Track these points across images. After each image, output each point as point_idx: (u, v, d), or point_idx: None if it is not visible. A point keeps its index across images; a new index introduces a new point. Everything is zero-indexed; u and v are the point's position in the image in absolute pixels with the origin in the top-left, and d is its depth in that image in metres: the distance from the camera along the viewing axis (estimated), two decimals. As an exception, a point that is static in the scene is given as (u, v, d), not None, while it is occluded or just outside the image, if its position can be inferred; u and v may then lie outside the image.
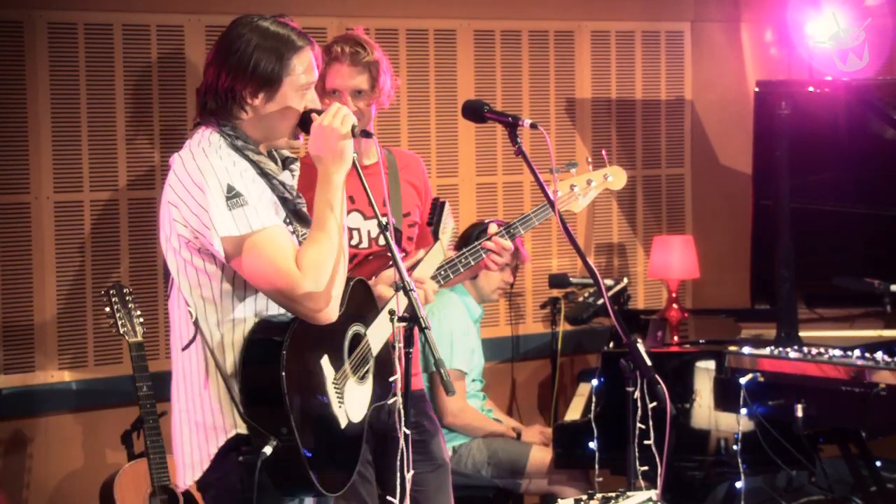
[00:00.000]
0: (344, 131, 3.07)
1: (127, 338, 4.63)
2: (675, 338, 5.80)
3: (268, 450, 2.95)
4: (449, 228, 3.89)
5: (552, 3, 6.07)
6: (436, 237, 3.80)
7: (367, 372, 3.25)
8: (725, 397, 4.84)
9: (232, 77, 3.05)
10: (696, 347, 5.31)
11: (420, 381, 4.26)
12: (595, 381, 5.07)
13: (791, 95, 5.02)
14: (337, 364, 3.14)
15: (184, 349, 3.05)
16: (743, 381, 4.72)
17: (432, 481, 4.17)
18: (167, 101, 5.22)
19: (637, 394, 3.76)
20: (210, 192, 2.97)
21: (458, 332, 5.28)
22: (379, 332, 3.35)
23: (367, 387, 3.25)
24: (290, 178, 3.19)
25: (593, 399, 4.99)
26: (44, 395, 5.03)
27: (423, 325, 3.08)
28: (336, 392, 3.12)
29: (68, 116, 5.06)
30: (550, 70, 6.07)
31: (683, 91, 6.40)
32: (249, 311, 3.05)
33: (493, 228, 3.97)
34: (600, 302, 5.54)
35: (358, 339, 3.24)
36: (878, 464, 5.43)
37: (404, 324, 3.15)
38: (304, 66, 3.09)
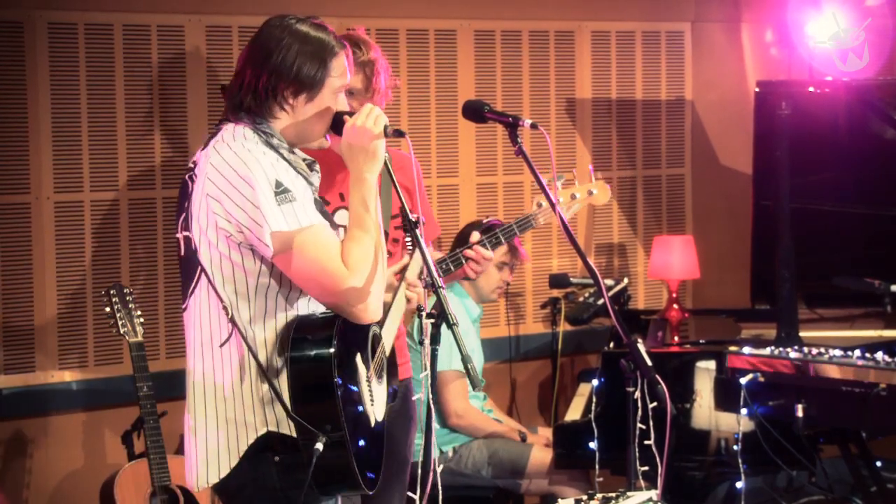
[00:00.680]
0: (377, 131, 3.11)
1: (127, 338, 4.63)
2: (676, 338, 5.80)
3: (320, 447, 2.94)
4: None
5: (552, 3, 6.07)
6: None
7: (383, 371, 3.28)
8: (726, 397, 4.84)
9: (276, 78, 3.09)
10: (697, 347, 5.31)
11: (408, 370, 4.27)
12: (595, 382, 5.07)
13: (791, 95, 5.01)
14: (366, 363, 3.17)
15: (221, 345, 3.04)
16: (743, 381, 4.72)
17: (387, 476, 4.19)
18: (167, 101, 5.22)
19: (637, 394, 3.76)
20: (259, 186, 2.98)
21: (458, 332, 5.27)
22: (389, 331, 3.38)
23: (384, 386, 3.28)
24: (317, 180, 3.21)
25: (593, 399, 4.98)
26: (44, 395, 5.03)
27: (452, 322, 3.10)
28: (368, 390, 3.16)
29: (68, 116, 5.06)
30: (551, 70, 6.07)
31: (684, 91, 6.40)
32: (281, 309, 3.06)
33: (475, 237, 3.99)
34: (600, 302, 5.54)
35: (377, 338, 3.26)
36: (879, 464, 5.42)
37: (432, 320, 3.18)
38: (340, 69, 3.15)
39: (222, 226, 3.01)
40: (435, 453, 5.38)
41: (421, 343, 3.24)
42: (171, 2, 5.25)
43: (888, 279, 5.01)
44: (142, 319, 4.67)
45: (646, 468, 3.90)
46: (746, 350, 4.83)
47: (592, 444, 4.68)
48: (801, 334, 4.89)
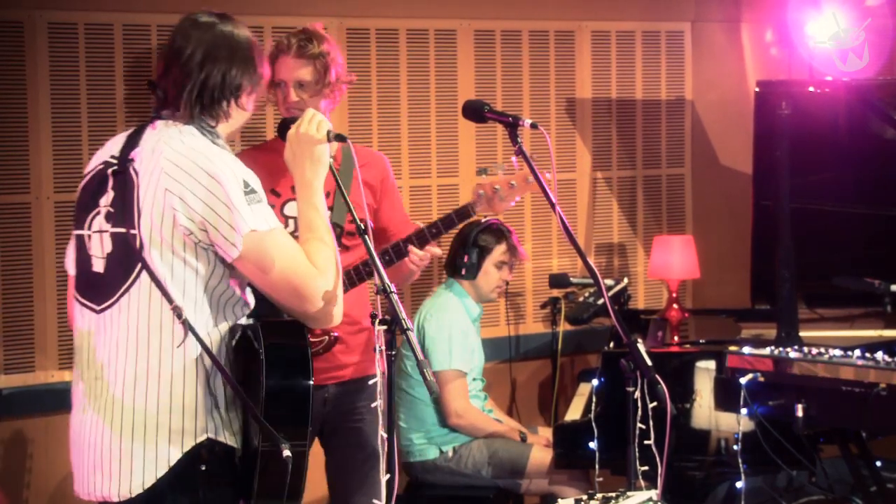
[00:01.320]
0: (319, 137, 3.09)
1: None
2: (676, 338, 5.80)
3: (289, 454, 2.84)
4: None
5: (552, 3, 6.07)
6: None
7: None
8: (725, 397, 4.84)
9: (241, 75, 3.07)
10: (697, 347, 5.31)
11: (373, 366, 4.28)
12: (595, 381, 5.07)
13: (791, 95, 5.01)
14: None
15: (178, 346, 2.91)
16: (743, 381, 4.71)
17: (360, 469, 4.20)
18: (167, 101, 5.22)
19: (637, 394, 3.76)
20: (229, 185, 2.92)
21: (457, 332, 5.28)
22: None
23: None
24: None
25: (593, 399, 4.98)
26: (44, 395, 5.02)
27: (405, 327, 3.07)
28: None
29: (68, 116, 5.06)
30: (551, 70, 6.07)
31: (684, 91, 6.40)
32: (223, 317, 2.98)
33: (419, 227, 4.05)
34: (600, 302, 5.54)
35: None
36: (879, 464, 5.42)
37: (385, 326, 3.15)
38: (266, 70, 3.22)
39: (183, 223, 2.92)
40: (434, 454, 5.43)
41: (379, 349, 3.19)
42: (172, 2, 5.23)
43: (888, 279, 5.01)
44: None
45: (646, 468, 3.90)
46: (746, 350, 4.82)
47: (592, 444, 4.68)
48: (801, 334, 4.88)
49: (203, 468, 2.93)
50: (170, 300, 2.91)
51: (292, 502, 2.96)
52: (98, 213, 3.01)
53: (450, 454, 5.29)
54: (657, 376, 3.72)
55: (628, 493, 3.77)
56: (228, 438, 2.96)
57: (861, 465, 5.40)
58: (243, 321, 3.03)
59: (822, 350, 4.70)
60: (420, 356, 3.03)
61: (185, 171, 2.94)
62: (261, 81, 3.13)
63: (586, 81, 6.16)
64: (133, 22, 5.16)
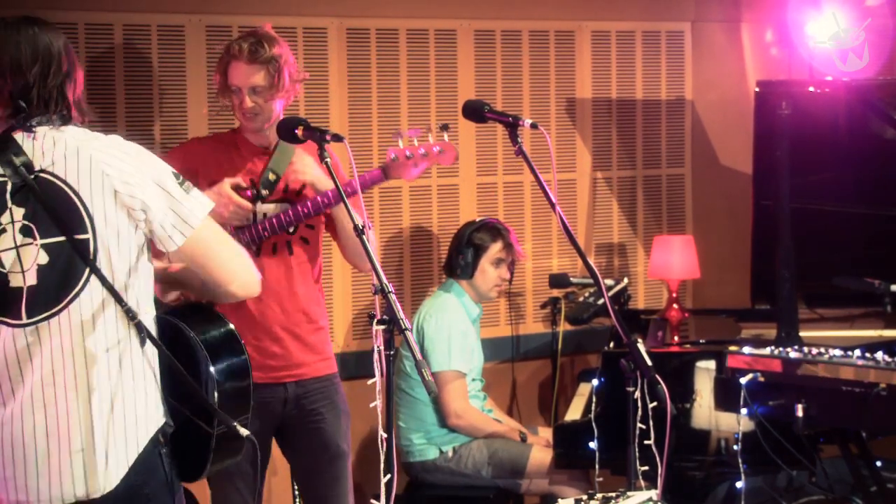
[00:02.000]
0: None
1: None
2: (676, 338, 5.80)
3: (246, 431, 3.01)
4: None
5: (552, 3, 6.07)
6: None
7: None
8: (726, 397, 4.84)
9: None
10: (697, 347, 5.31)
11: (332, 366, 4.31)
12: (595, 381, 5.07)
13: (791, 95, 5.01)
14: None
15: (142, 346, 2.97)
16: (743, 381, 4.71)
17: (327, 470, 4.20)
18: (167, 101, 5.22)
19: (637, 394, 3.76)
20: (168, 175, 3.01)
21: (456, 332, 5.28)
22: None
23: None
24: None
25: (593, 399, 4.98)
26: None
27: (403, 327, 3.08)
28: None
29: (69, 116, 5.05)
30: (551, 70, 6.07)
31: (684, 91, 6.40)
32: (151, 306, 3.06)
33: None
34: (601, 302, 5.54)
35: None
36: (879, 464, 5.42)
37: (384, 326, 3.15)
38: None
39: (136, 216, 2.95)
40: (434, 454, 5.43)
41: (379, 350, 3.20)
42: (171, 2, 5.25)
43: (888, 279, 5.01)
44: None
45: (646, 468, 3.90)
46: (746, 350, 4.82)
47: (592, 444, 4.68)
48: (801, 334, 4.88)
49: (163, 450, 3.02)
50: (122, 302, 2.95)
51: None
52: (3, 231, 2.95)
53: (450, 454, 5.29)
54: (657, 376, 3.72)
55: (628, 493, 3.78)
56: (168, 419, 3.07)
57: (861, 465, 5.40)
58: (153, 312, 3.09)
59: (822, 350, 4.71)
60: (418, 356, 3.03)
61: (124, 165, 2.95)
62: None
63: (586, 81, 6.16)
64: (133, 22, 5.16)
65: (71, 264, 2.93)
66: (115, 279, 2.94)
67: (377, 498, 3.17)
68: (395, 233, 5.75)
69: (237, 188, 4.10)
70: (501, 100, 5.92)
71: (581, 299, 5.72)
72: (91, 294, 2.94)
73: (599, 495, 3.84)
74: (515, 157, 3.75)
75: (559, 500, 4.39)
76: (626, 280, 5.80)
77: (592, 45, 6.16)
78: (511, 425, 5.46)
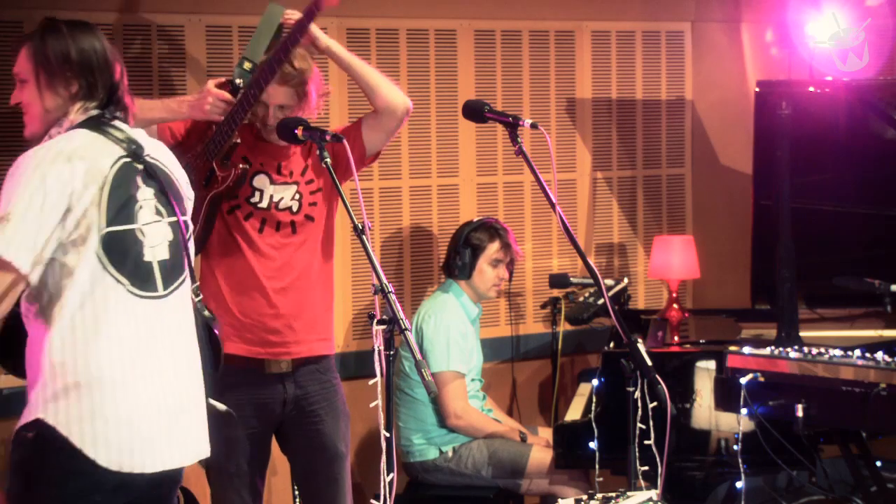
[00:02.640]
0: None
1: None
2: (676, 338, 5.80)
3: (224, 407, 3.42)
4: None
5: (553, 3, 6.07)
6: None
7: None
8: (725, 397, 4.84)
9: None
10: (697, 347, 5.31)
11: (329, 347, 4.31)
12: (595, 381, 5.07)
13: (791, 95, 5.01)
14: None
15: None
16: (743, 381, 4.71)
17: (325, 471, 4.21)
18: (167, 101, 5.22)
19: (637, 394, 3.76)
20: None
21: (455, 333, 5.28)
22: None
23: None
24: None
25: (594, 399, 4.98)
26: (44, 395, 5.01)
27: (403, 327, 3.09)
28: None
29: (69, 116, 5.05)
30: (551, 70, 6.07)
31: (684, 91, 6.41)
32: None
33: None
34: (601, 302, 5.54)
35: None
36: (879, 464, 5.43)
37: (384, 326, 3.16)
38: None
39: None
40: (433, 454, 5.42)
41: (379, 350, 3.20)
42: (171, 2, 5.25)
43: (888, 279, 5.01)
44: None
45: (646, 468, 3.90)
46: (746, 350, 4.82)
47: (592, 444, 4.69)
48: (801, 334, 4.88)
49: None
50: (194, 279, 3.31)
51: None
52: (140, 207, 3.21)
53: (449, 454, 5.29)
54: (657, 376, 3.72)
55: (628, 493, 3.78)
56: None
57: (861, 465, 5.40)
58: None
59: (822, 350, 4.71)
60: (418, 357, 3.03)
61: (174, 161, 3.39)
62: None
63: (586, 81, 6.16)
64: (133, 22, 5.16)
65: (179, 243, 3.27)
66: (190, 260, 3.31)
67: (377, 498, 3.17)
68: (394, 233, 5.75)
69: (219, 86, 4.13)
70: (501, 100, 5.92)
71: (581, 299, 5.72)
72: (187, 270, 3.29)
73: (599, 495, 3.84)
74: (515, 157, 3.75)
75: (559, 500, 4.39)
76: (626, 280, 5.80)
77: (592, 45, 6.16)
78: (511, 425, 5.46)
